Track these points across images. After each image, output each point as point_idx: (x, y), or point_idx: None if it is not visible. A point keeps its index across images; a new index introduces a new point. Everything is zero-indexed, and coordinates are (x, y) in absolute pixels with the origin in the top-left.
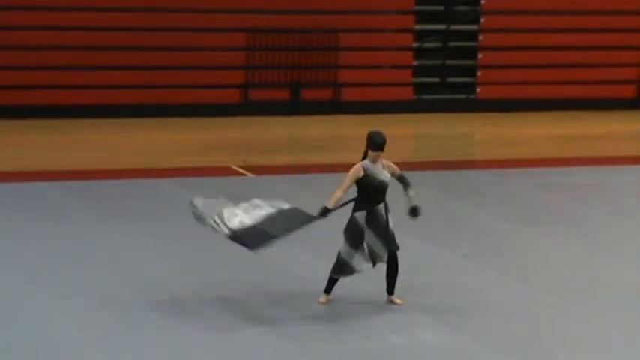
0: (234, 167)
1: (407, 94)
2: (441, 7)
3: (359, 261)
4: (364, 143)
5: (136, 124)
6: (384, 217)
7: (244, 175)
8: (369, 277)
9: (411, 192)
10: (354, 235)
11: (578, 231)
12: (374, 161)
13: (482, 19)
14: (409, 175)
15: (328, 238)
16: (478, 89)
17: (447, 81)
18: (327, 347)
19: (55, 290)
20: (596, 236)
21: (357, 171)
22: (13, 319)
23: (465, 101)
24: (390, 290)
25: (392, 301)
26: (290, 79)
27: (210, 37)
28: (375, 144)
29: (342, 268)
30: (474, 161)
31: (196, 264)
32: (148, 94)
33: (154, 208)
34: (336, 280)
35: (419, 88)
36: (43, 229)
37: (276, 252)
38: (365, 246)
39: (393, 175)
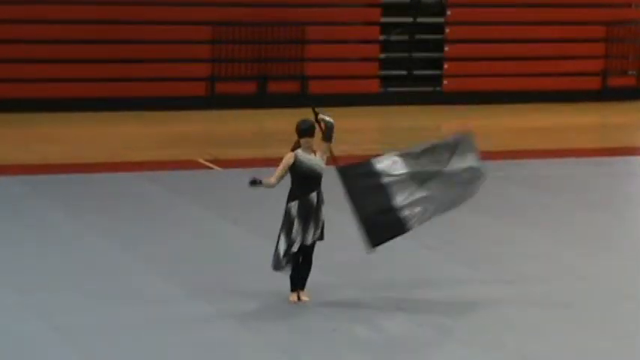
0: (200, 160)
1: (373, 86)
2: (408, 0)
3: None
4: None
5: (101, 118)
6: (314, 206)
7: (211, 168)
8: (337, 271)
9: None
10: (288, 227)
11: (543, 223)
12: (306, 150)
13: (448, 12)
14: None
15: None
16: (444, 82)
17: (413, 73)
18: (293, 340)
19: (19, 287)
20: (562, 228)
21: (288, 157)
22: None
23: (432, 94)
24: (302, 285)
25: (299, 298)
26: (256, 72)
27: (177, 30)
28: (301, 130)
29: (279, 262)
30: None
31: (164, 257)
32: (114, 87)
33: (119, 201)
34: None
35: (385, 80)
36: (6, 225)
37: (249, 247)
38: (291, 237)
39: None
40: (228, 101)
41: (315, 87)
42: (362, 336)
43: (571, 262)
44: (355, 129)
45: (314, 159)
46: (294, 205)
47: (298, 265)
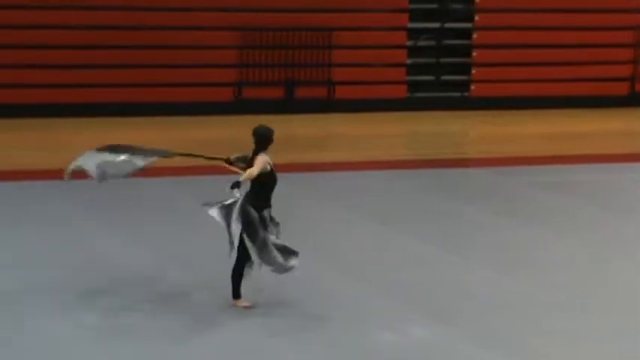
0: (227, 166)
1: (400, 92)
2: (435, 5)
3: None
4: (358, 141)
5: (129, 123)
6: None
7: (237, 173)
8: (356, 274)
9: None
10: (263, 230)
11: (570, 228)
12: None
13: (476, 17)
14: (404, 174)
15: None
16: (472, 87)
17: (440, 79)
18: (321, 345)
19: (47, 287)
20: (590, 234)
21: (267, 161)
22: (6, 317)
23: (459, 99)
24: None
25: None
26: (283, 77)
27: (204, 36)
28: (271, 138)
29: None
30: (467, 159)
31: (185, 260)
32: (141, 92)
33: (145, 207)
34: (239, 281)
35: (413, 86)
36: (33, 228)
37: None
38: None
39: None
40: (255, 106)
41: (342, 92)
42: (387, 340)
43: (600, 267)
44: (382, 134)
45: None
46: (268, 213)
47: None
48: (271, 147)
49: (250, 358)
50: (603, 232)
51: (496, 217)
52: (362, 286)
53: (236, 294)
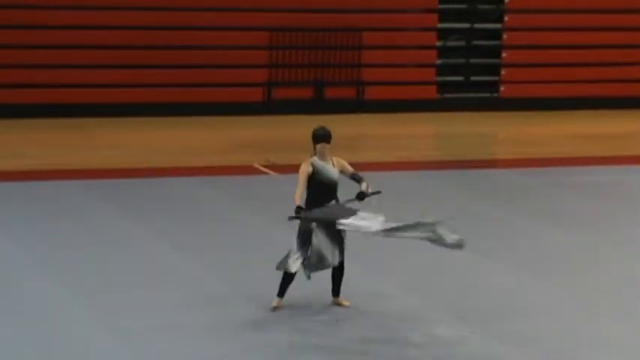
0: (257, 166)
1: (430, 92)
2: (465, 6)
3: (296, 263)
4: (387, 141)
5: (159, 123)
6: None
7: (268, 173)
8: (386, 275)
9: (364, 184)
10: (303, 236)
11: (600, 230)
12: (321, 157)
13: (506, 18)
14: (434, 175)
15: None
16: (502, 88)
17: (470, 80)
18: (347, 346)
19: (80, 288)
20: (619, 235)
21: (306, 166)
22: (39, 317)
23: (489, 100)
24: (336, 293)
25: (338, 303)
26: (313, 77)
27: (234, 36)
28: (317, 136)
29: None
30: (496, 160)
31: (222, 263)
32: (172, 92)
33: (176, 206)
34: (288, 283)
35: (442, 86)
36: (68, 228)
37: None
38: (311, 249)
39: (342, 172)
40: (285, 106)
41: (371, 93)
42: (415, 341)
43: (629, 269)
44: (412, 135)
45: (329, 167)
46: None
47: (293, 275)
48: (304, 147)
49: (275, 355)
50: (631, 234)
51: (523, 219)
52: (390, 286)
53: (280, 292)
